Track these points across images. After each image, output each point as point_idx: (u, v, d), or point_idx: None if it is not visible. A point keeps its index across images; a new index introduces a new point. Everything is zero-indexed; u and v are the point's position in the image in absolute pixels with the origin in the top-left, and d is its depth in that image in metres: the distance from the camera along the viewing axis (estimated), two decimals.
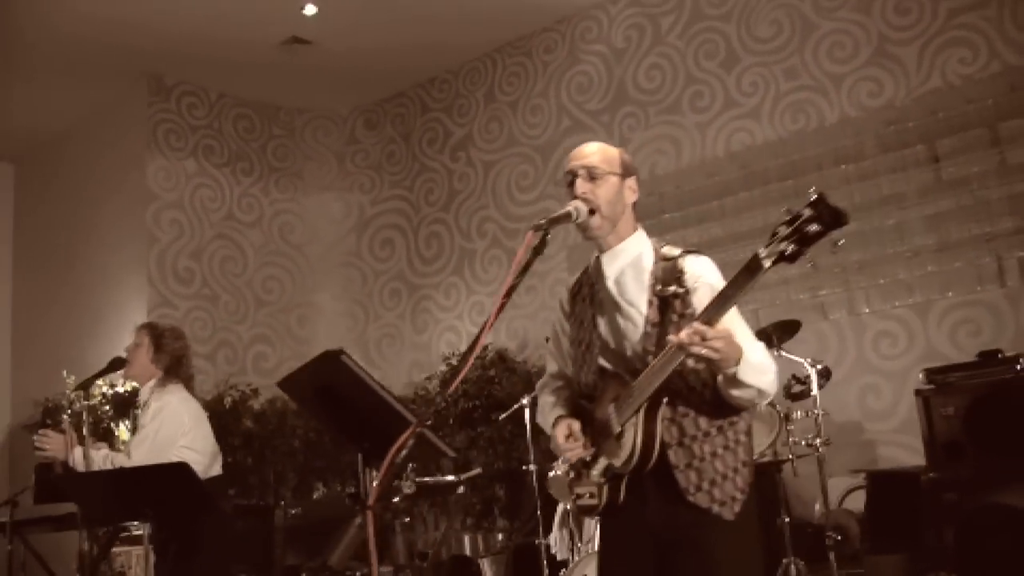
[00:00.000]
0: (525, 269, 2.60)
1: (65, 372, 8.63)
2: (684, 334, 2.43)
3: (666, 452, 2.63)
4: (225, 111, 10.14)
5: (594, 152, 2.88)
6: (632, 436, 2.60)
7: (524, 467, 5.54)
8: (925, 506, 5.04)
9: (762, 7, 8.25)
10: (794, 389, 5.03)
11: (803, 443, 4.84)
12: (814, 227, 2.32)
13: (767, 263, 2.35)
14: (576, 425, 2.79)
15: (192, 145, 9.79)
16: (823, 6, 7.93)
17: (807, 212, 2.31)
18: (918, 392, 5.27)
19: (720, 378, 2.58)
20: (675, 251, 2.79)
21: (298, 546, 7.10)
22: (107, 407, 8.29)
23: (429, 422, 2.76)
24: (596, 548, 4.88)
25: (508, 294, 2.55)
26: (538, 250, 2.62)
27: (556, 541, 5.48)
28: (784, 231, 2.32)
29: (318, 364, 3.60)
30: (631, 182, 2.89)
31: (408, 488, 6.73)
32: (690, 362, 2.48)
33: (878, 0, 7.65)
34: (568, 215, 2.75)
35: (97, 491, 4.43)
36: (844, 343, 7.56)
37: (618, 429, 2.65)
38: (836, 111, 7.82)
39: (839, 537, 4.81)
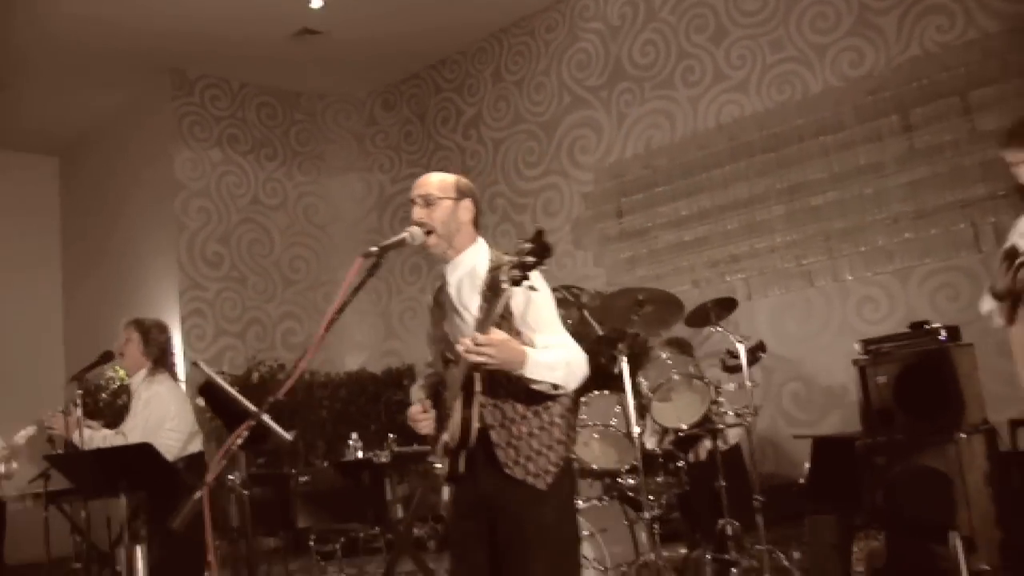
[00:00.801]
0: (357, 289, 3.00)
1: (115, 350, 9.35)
2: (461, 344, 2.83)
3: (489, 432, 3.07)
4: (247, 100, 10.66)
5: (430, 182, 3.26)
6: (456, 418, 3.03)
7: None
8: (859, 469, 5.32)
9: None
10: (728, 363, 5.34)
11: (732, 414, 5.17)
12: (530, 258, 2.73)
13: (505, 286, 2.73)
14: (428, 404, 3.25)
15: (216, 135, 10.34)
16: None
17: (526, 246, 2.74)
18: (855, 362, 5.53)
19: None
20: (505, 260, 3.14)
21: (310, 509, 7.67)
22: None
23: (264, 415, 3.25)
24: None
25: (340, 309, 2.97)
26: (371, 272, 3.02)
27: None
28: (514, 260, 2.74)
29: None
30: (466, 203, 3.26)
31: (385, 458, 7.21)
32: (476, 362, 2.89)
33: None
34: (403, 240, 3.14)
35: (82, 468, 5.01)
36: (830, 309, 7.79)
37: (449, 412, 3.08)
38: (819, 82, 7.97)
39: (763, 499, 5.13)
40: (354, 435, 7.69)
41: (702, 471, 5.40)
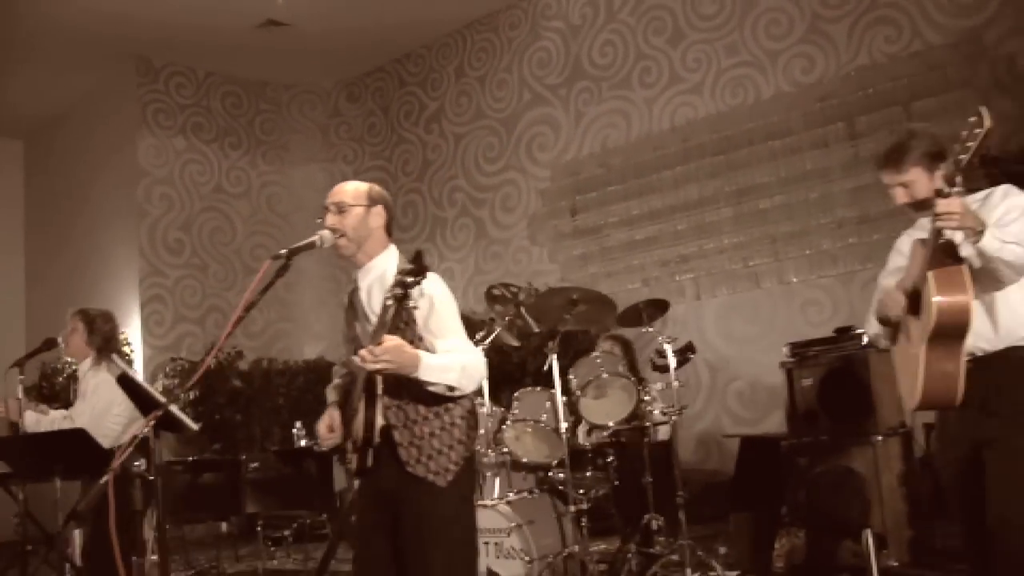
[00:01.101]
0: (265, 290, 3.14)
1: (60, 338, 9.41)
2: (359, 353, 3.00)
3: (392, 432, 3.23)
4: (213, 89, 10.73)
5: (344, 190, 3.41)
6: (360, 419, 3.21)
7: None
8: (784, 468, 5.49)
9: None
10: (657, 363, 5.48)
11: (658, 412, 5.32)
12: (409, 278, 3.02)
13: (390, 303, 3.03)
14: (336, 415, 3.40)
15: (181, 123, 10.41)
16: None
17: (407, 267, 3.05)
18: (782, 364, 5.69)
19: None
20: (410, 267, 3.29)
21: (259, 496, 7.80)
22: None
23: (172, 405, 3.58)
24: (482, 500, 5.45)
25: (247, 308, 3.11)
26: (279, 274, 3.16)
27: None
28: (399, 279, 3.03)
29: None
30: (377, 210, 3.39)
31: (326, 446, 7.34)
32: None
33: None
34: (312, 244, 3.27)
35: (18, 452, 5.12)
36: (775, 310, 7.95)
37: (355, 412, 3.25)
38: (771, 87, 8.13)
39: (686, 495, 5.29)
40: (298, 424, 7.81)
41: (632, 467, 5.54)
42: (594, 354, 5.52)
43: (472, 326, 8.37)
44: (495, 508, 5.26)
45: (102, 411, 5.28)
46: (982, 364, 3.14)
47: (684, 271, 8.40)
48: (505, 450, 5.47)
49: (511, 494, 5.47)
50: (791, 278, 7.89)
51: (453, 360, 3.19)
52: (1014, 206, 3.12)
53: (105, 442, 4.96)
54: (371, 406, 3.20)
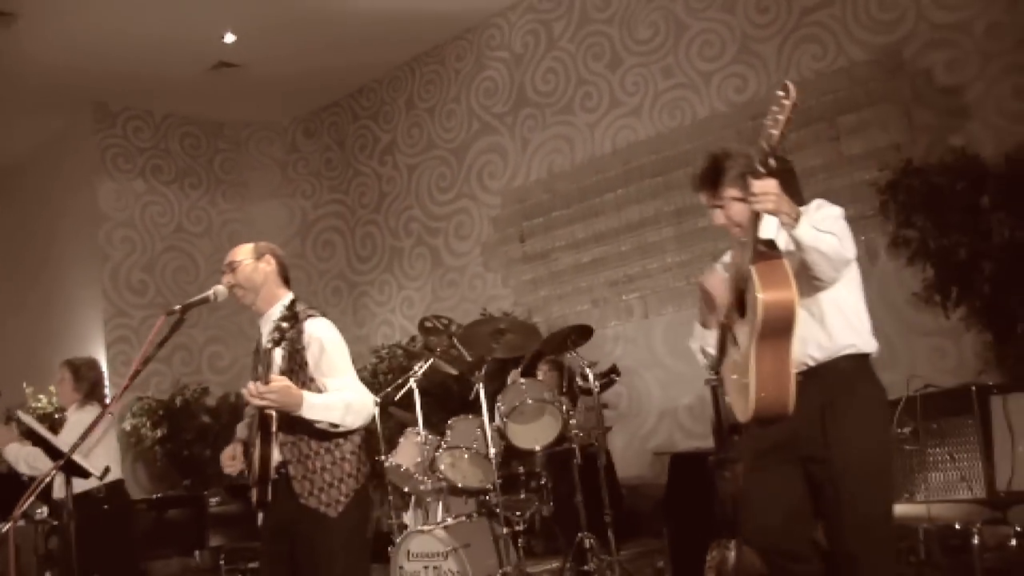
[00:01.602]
0: (161, 344, 3.35)
1: (24, 383, 9.59)
2: (247, 387, 3.29)
3: (287, 466, 3.48)
4: (171, 131, 10.93)
5: (233, 251, 3.78)
6: (255, 454, 3.47)
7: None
8: (711, 483, 5.66)
9: (640, 9, 8.77)
10: (582, 386, 5.67)
11: (582, 434, 5.51)
12: (284, 324, 3.43)
13: (269, 346, 3.41)
14: (239, 448, 3.67)
15: (140, 166, 10.61)
16: (693, 7, 8.43)
17: (284, 314, 3.45)
18: (707, 381, 5.88)
19: None
20: (305, 314, 3.51)
21: (221, 529, 7.98)
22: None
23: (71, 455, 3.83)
24: (420, 526, 5.62)
25: (144, 362, 3.34)
26: (175, 328, 3.38)
27: (411, 520, 6.25)
28: (276, 325, 3.40)
29: None
30: (265, 260, 3.68)
31: None
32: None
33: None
34: (207, 298, 3.51)
35: None
36: None
37: (253, 448, 3.49)
38: (707, 107, 8.34)
39: (612, 513, 5.47)
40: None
41: (566, 488, 5.72)
42: (519, 381, 5.70)
43: (412, 356, 8.65)
44: (431, 533, 5.47)
45: (84, 450, 5.47)
46: (813, 375, 3.13)
47: (631, 291, 8.60)
48: (441, 476, 5.66)
49: (449, 519, 5.65)
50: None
51: (336, 399, 3.44)
52: (827, 215, 3.13)
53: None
54: (266, 442, 3.46)
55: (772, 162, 2.83)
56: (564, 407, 5.51)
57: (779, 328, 2.98)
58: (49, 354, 10.18)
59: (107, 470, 5.13)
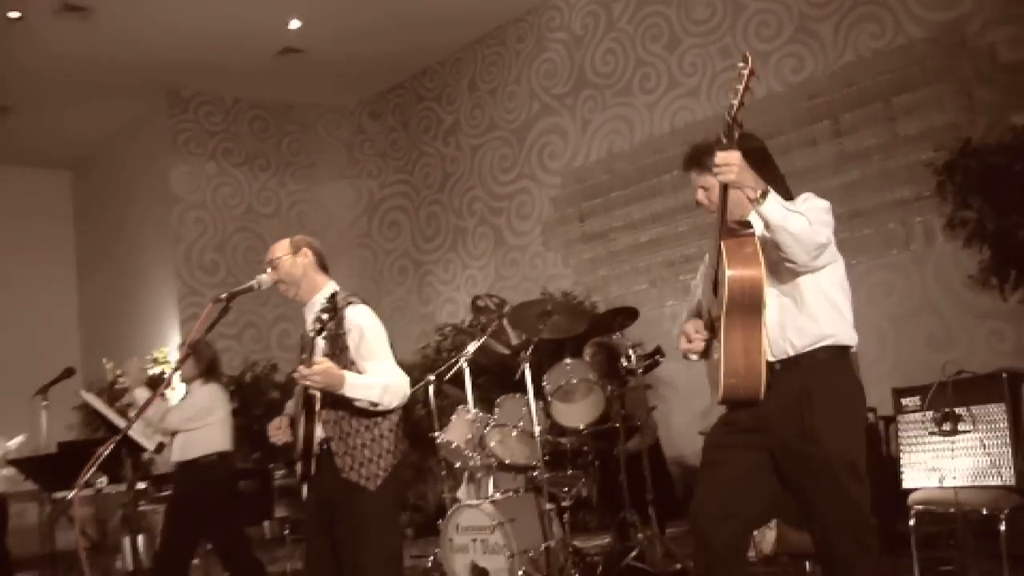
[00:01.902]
0: (209, 329, 3.57)
1: (104, 359, 10.02)
2: (297, 369, 3.50)
3: (330, 442, 3.70)
4: (240, 114, 11.26)
5: (272, 249, 3.95)
6: (300, 432, 3.70)
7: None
8: None
9: None
10: (626, 366, 5.76)
11: (630, 414, 5.63)
12: (324, 315, 3.54)
13: (311, 335, 3.56)
14: (287, 420, 3.86)
15: (211, 149, 10.98)
16: None
17: (325, 305, 3.57)
18: None
19: None
20: (345, 302, 3.70)
21: (286, 500, 8.31)
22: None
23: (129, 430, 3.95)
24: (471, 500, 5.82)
25: (191, 347, 3.57)
26: (222, 314, 3.59)
27: (464, 495, 6.45)
28: (317, 316, 3.53)
29: None
30: (302, 253, 3.87)
31: None
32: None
33: None
34: (251, 287, 3.73)
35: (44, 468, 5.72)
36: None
37: (298, 425, 3.74)
38: (764, 87, 8.30)
39: (654, 493, 5.58)
40: None
41: (613, 466, 5.85)
42: (565, 361, 5.82)
43: (468, 335, 8.82)
44: (479, 507, 5.63)
45: (192, 416, 5.80)
46: (792, 363, 3.09)
47: (688, 271, 8.63)
48: (489, 453, 5.83)
49: (497, 494, 5.82)
50: None
51: (375, 380, 3.64)
52: (812, 206, 3.13)
53: (206, 446, 5.62)
54: (310, 420, 3.69)
55: (735, 133, 2.87)
56: (607, 387, 5.62)
57: (746, 305, 2.95)
58: (127, 331, 10.64)
59: (161, 446, 5.44)
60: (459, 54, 10.89)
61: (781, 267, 3.03)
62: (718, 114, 8.52)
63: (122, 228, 11.35)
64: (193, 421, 5.72)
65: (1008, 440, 3.95)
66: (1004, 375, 4.13)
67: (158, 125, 10.80)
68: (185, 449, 5.65)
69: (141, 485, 8.28)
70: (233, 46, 9.90)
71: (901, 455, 4.49)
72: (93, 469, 3.50)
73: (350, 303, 3.78)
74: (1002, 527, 3.81)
